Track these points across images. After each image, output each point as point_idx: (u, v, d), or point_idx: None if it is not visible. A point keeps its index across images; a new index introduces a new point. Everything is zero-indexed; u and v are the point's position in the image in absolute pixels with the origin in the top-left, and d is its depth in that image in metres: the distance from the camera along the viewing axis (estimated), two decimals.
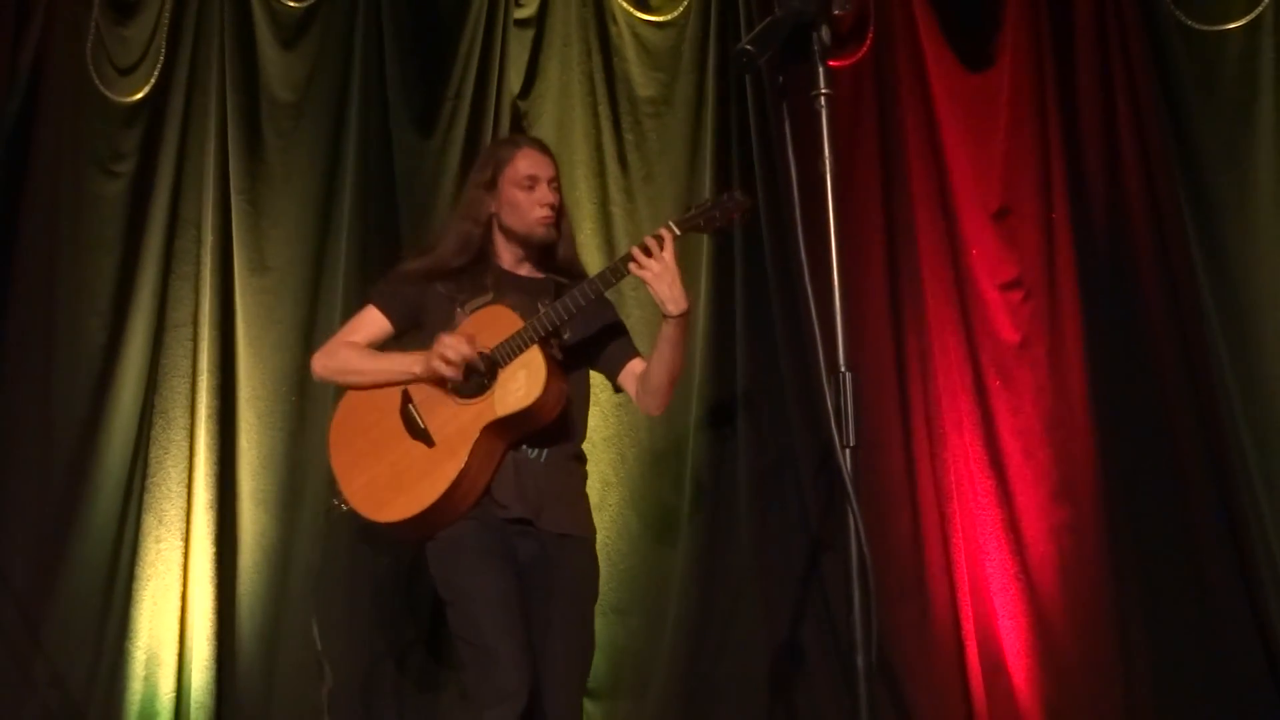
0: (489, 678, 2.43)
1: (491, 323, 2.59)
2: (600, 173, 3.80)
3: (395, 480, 2.58)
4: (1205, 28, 3.54)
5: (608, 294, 2.62)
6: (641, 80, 3.83)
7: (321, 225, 3.87)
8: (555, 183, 2.73)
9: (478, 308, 2.64)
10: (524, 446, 2.61)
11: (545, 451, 2.63)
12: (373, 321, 2.75)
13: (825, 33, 1.76)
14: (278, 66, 3.97)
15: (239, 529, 3.76)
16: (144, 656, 3.72)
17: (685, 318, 2.53)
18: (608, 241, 3.75)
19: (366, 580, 3.63)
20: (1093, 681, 3.30)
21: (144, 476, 3.83)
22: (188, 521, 3.78)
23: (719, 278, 3.65)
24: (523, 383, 2.52)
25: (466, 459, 2.52)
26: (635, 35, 3.85)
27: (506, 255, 2.75)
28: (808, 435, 3.49)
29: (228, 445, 3.81)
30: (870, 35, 3.72)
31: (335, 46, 3.95)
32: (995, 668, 3.34)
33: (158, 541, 3.79)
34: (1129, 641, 3.31)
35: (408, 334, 2.75)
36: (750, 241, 3.64)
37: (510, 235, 2.73)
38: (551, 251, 2.76)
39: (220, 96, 3.95)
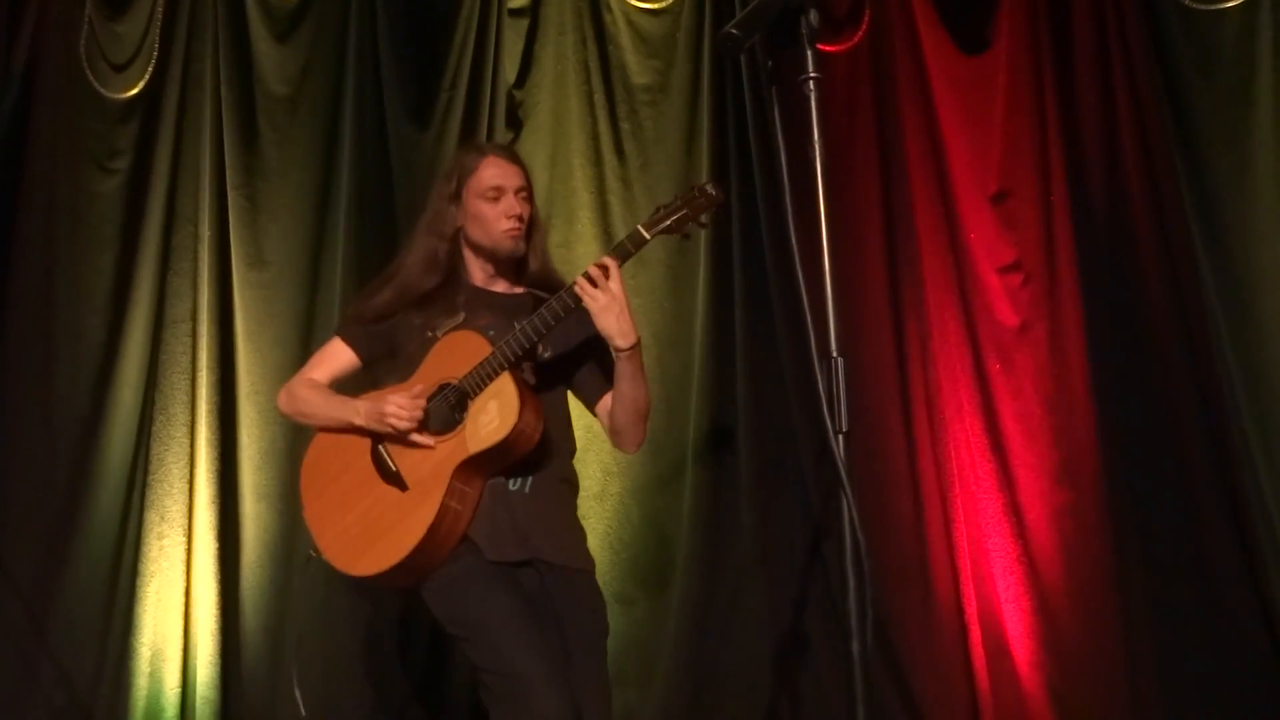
0: (526, 708, 2.18)
1: (458, 349, 2.44)
2: (597, 161, 3.79)
3: (367, 531, 2.42)
4: (1203, 7, 3.53)
5: None
6: (637, 68, 3.82)
7: (318, 219, 3.86)
8: (524, 192, 2.56)
9: (448, 331, 2.49)
10: (504, 478, 2.43)
11: (529, 481, 2.45)
12: (336, 354, 2.63)
13: (814, 16, 1.75)
14: (272, 60, 3.96)
15: (241, 524, 3.75)
16: (149, 652, 3.72)
17: (637, 350, 2.37)
18: (605, 230, 3.74)
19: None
20: (1096, 663, 3.30)
21: (145, 473, 3.83)
22: (190, 517, 3.78)
23: (718, 265, 3.64)
24: (494, 414, 2.35)
25: (440, 503, 2.35)
26: (630, 23, 3.84)
27: (478, 271, 2.59)
28: (808, 421, 3.48)
29: (229, 440, 3.80)
30: (866, 19, 3.71)
31: (329, 39, 3.94)
32: (998, 651, 3.34)
33: (160, 538, 3.79)
34: (1132, 623, 3.31)
35: (383, 362, 2.63)
36: (749, 228, 3.64)
37: (478, 250, 2.57)
38: (524, 265, 2.60)
39: (215, 91, 3.94)
